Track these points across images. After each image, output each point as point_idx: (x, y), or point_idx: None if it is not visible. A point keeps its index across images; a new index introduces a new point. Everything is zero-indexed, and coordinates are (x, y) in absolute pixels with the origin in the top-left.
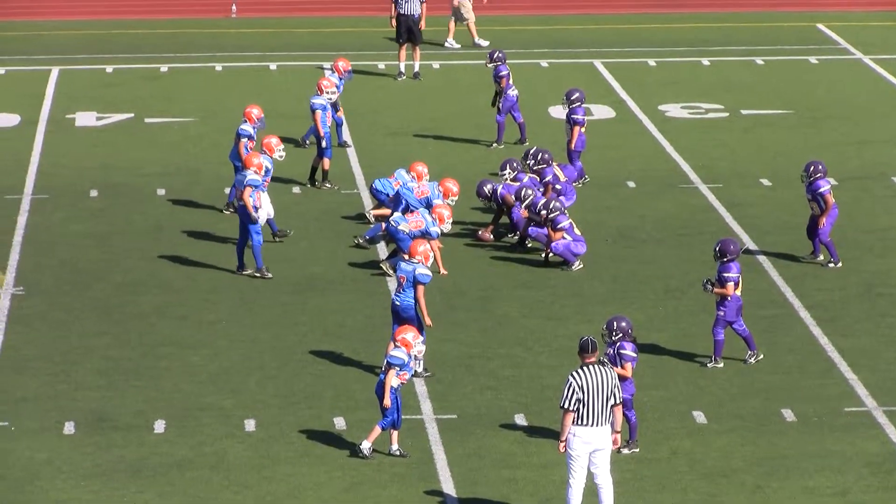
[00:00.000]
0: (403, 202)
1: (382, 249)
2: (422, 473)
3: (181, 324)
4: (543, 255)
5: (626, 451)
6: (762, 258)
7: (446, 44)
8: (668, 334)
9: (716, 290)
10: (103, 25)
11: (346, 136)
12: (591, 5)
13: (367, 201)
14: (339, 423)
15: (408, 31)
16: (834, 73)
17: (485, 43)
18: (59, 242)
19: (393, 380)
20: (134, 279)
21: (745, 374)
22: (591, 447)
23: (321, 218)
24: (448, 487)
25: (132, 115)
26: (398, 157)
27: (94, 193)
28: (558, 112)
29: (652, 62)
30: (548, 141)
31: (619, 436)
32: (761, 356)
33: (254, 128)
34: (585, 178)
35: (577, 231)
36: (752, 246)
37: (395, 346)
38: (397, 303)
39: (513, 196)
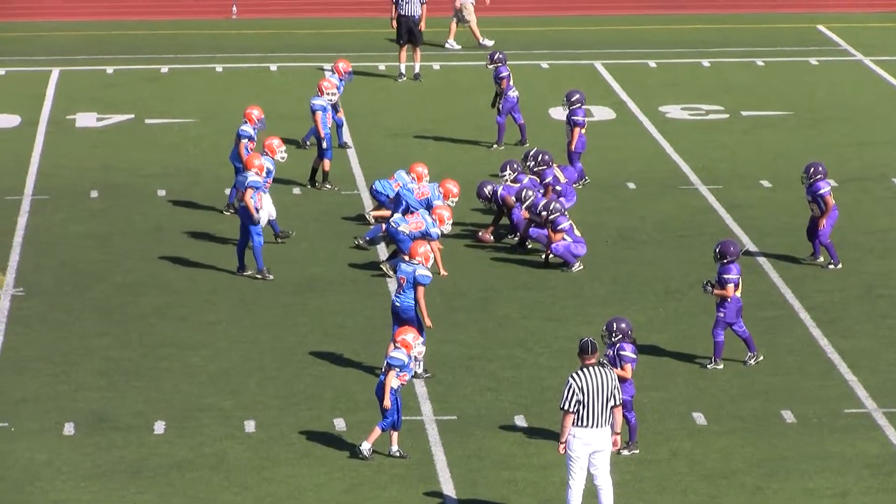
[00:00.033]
0: (404, 203)
1: (383, 250)
2: (422, 474)
3: (181, 325)
4: (543, 256)
5: (625, 452)
6: (762, 259)
7: (446, 45)
8: (668, 335)
9: (716, 291)
10: (104, 26)
11: (347, 137)
12: (591, 7)
13: (368, 202)
14: (339, 424)
15: (408, 33)
16: (834, 75)
17: (490, 42)
18: (60, 243)
19: (393, 381)
20: (134, 280)
21: (745, 375)
22: (590, 448)
23: (321, 219)
24: (448, 488)
25: (132, 115)
26: (398, 159)
27: (94, 194)
28: (558, 113)
29: (652, 63)
30: (548, 142)
31: (619, 437)
32: (761, 357)
33: (254, 129)
34: (586, 180)
35: (577, 232)
36: (752, 247)
37: (395, 348)
38: (397, 304)
39: (513, 197)
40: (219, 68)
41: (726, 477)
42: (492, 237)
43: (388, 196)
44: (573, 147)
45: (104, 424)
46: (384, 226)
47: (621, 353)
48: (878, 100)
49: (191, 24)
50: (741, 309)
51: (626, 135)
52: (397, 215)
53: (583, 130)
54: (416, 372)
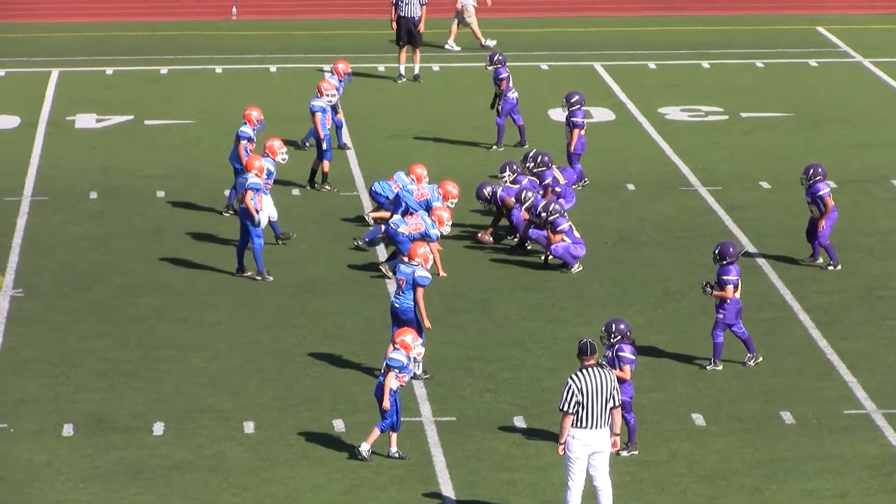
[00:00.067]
0: (403, 204)
1: (382, 252)
2: (421, 475)
3: (181, 326)
4: (543, 257)
5: (625, 453)
6: (762, 261)
7: (446, 45)
8: (667, 337)
9: (715, 292)
10: (103, 27)
11: (346, 138)
12: (591, 8)
13: (367, 203)
14: (339, 425)
15: (408, 34)
16: (834, 77)
17: (492, 43)
18: (59, 244)
19: (392, 382)
20: (133, 281)
21: (745, 376)
22: (590, 449)
23: (321, 220)
24: (447, 490)
25: (132, 117)
26: (398, 160)
27: (93, 195)
28: (558, 115)
29: (652, 65)
30: (547, 143)
31: (618, 438)
32: (760, 359)
33: (253, 130)
34: (585, 181)
35: (576, 233)
36: (751, 249)
37: (395, 349)
38: (396, 305)
39: (512, 198)
40: (218, 69)
41: (725, 478)
42: (491, 238)
43: (387, 197)
44: (572, 148)
45: (103, 425)
46: (383, 227)
47: (620, 354)
48: (878, 101)
49: (190, 26)
50: (740, 310)
51: (626, 136)
52: (396, 216)
53: (582, 132)
54: (415, 373)
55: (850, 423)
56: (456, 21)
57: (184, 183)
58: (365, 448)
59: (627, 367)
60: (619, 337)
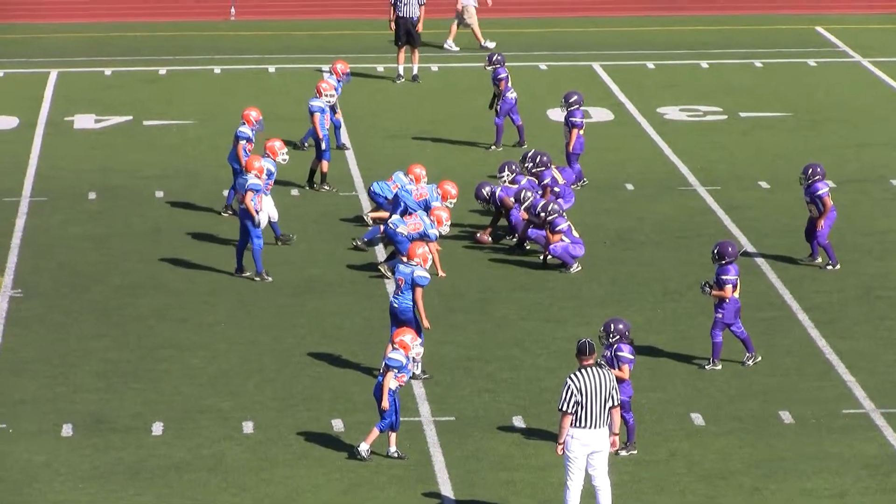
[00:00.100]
0: (402, 204)
1: (381, 252)
2: (420, 475)
3: (180, 326)
4: (542, 257)
5: (624, 453)
6: (760, 260)
7: (445, 45)
8: (666, 336)
9: (714, 292)
10: (102, 28)
11: (345, 138)
12: (590, 8)
13: (366, 204)
14: (338, 425)
15: (406, 34)
16: (833, 76)
17: (492, 44)
18: (58, 245)
19: (391, 382)
20: (132, 281)
21: (744, 376)
22: (588, 449)
23: (320, 220)
24: (446, 489)
25: (131, 117)
26: (397, 160)
27: (92, 196)
28: (557, 115)
29: (651, 65)
30: (546, 143)
31: (617, 438)
32: (759, 358)
33: (252, 130)
34: (584, 181)
35: (575, 233)
36: (750, 248)
37: (394, 349)
38: (395, 305)
39: (511, 198)
40: (217, 70)
41: (724, 477)
42: (490, 238)
43: (385, 198)
44: (571, 148)
45: (102, 426)
46: (382, 227)
47: (619, 353)
48: (877, 101)
49: (189, 26)
50: (739, 310)
51: (625, 136)
52: (395, 216)
53: (581, 132)
54: (414, 373)
55: (849, 422)
56: (456, 21)
57: (183, 183)
58: (364, 448)
59: (626, 367)
60: (618, 336)
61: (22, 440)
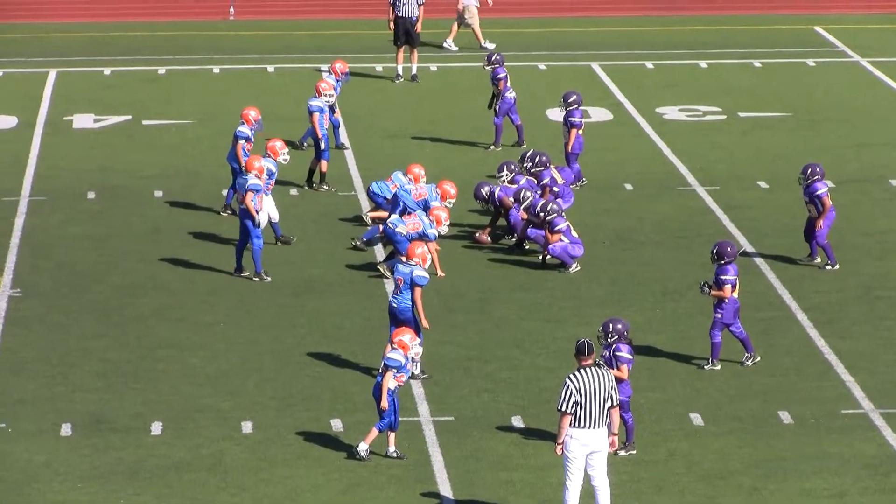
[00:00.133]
0: (401, 204)
1: (380, 251)
2: (419, 475)
3: (179, 326)
4: (541, 257)
5: (623, 453)
6: (760, 260)
7: (444, 44)
8: (665, 336)
9: (713, 292)
10: (101, 28)
11: (344, 138)
12: (589, 8)
13: (365, 203)
14: (337, 425)
15: (405, 34)
16: (832, 76)
17: (492, 46)
18: (57, 245)
19: (390, 382)
20: (132, 281)
21: (743, 376)
22: (588, 449)
23: (319, 220)
24: (445, 489)
25: (130, 117)
26: (396, 160)
27: (91, 195)
28: (556, 114)
29: (650, 65)
30: (545, 143)
31: (616, 438)
32: (758, 358)
33: (251, 130)
34: (583, 181)
35: (574, 233)
36: (749, 248)
37: (393, 349)
38: (394, 305)
39: (510, 198)
40: (216, 69)
41: (724, 477)
42: (489, 238)
43: (384, 198)
44: (570, 148)
45: (102, 426)
46: (381, 227)
47: (617, 353)
48: (876, 101)
49: (188, 26)
50: (738, 310)
51: (624, 136)
52: (394, 216)
53: (580, 132)
54: (413, 373)
55: (848, 422)
56: (457, 22)
57: (182, 183)
58: (363, 448)
59: (625, 367)
60: (617, 336)
61: (21, 440)
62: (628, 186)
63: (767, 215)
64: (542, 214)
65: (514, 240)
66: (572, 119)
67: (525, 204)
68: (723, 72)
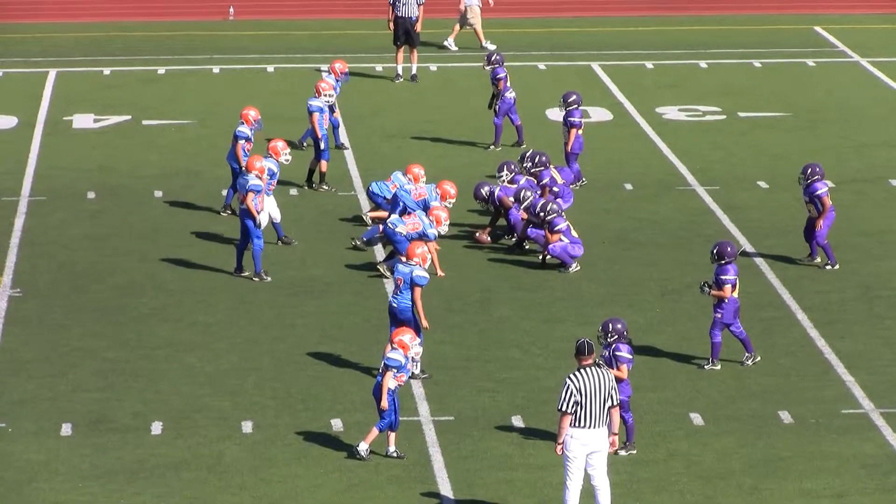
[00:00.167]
0: (401, 204)
1: (380, 251)
2: (419, 475)
3: (179, 326)
4: (540, 257)
5: (623, 452)
6: (759, 260)
7: (445, 42)
8: (665, 336)
9: (713, 292)
10: (101, 28)
11: (344, 138)
12: (588, 8)
13: (365, 203)
14: (337, 424)
15: (405, 34)
16: (832, 76)
17: (493, 47)
18: (57, 244)
19: (390, 382)
20: (131, 281)
21: (743, 376)
22: (588, 449)
23: (319, 220)
24: (445, 489)
25: (130, 117)
26: (396, 160)
27: (91, 195)
28: (556, 114)
29: (649, 65)
30: (545, 143)
31: (616, 438)
32: (758, 358)
33: (251, 129)
34: (583, 181)
35: (574, 233)
36: (749, 248)
37: (393, 348)
38: (394, 305)
39: (510, 198)
40: (216, 69)
41: (723, 477)
42: (489, 238)
43: (384, 198)
44: (570, 148)
45: (102, 425)
46: (381, 227)
47: (617, 353)
48: (876, 101)
49: (188, 26)
50: (738, 310)
51: (624, 136)
52: (394, 216)
53: (580, 131)
54: (413, 373)
55: (848, 422)
56: (459, 22)
57: (182, 183)
58: (363, 447)
59: (624, 367)
60: (616, 336)
61: (21, 439)
62: (628, 186)
63: (767, 215)
64: (542, 214)
65: (514, 240)
66: (572, 119)
67: (525, 204)
68: (723, 72)
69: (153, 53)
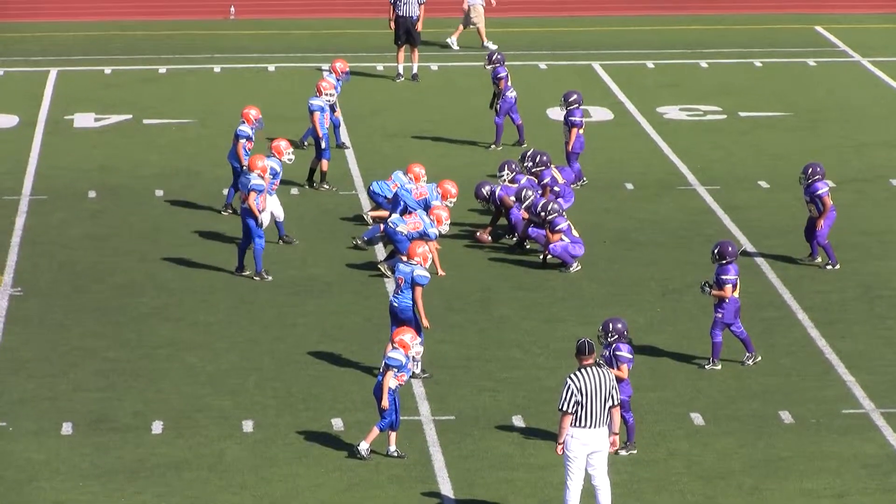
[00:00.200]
0: (402, 204)
1: (381, 251)
2: (419, 475)
3: (179, 325)
4: (541, 256)
5: (623, 452)
6: (760, 260)
7: (447, 40)
8: (666, 336)
9: (714, 292)
10: (102, 27)
11: (345, 137)
12: (589, 8)
13: (366, 203)
14: (337, 424)
15: (406, 33)
16: (832, 76)
17: (494, 46)
18: (58, 244)
19: (391, 381)
20: (132, 280)
21: (743, 376)
22: (588, 449)
23: (319, 219)
24: (446, 489)
25: (130, 116)
26: (396, 159)
27: (92, 195)
28: (556, 114)
29: (650, 64)
30: (546, 143)
31: (617, 437)
32: (759, 358)
33: (252, 129)
34: (583, 180)
35: (574, 233)
36: (750, 248)
37: (393, 348)
38: (395, 304)
39: (511, 197)
40: (217, 69)
41: (724, 477)
42: (490, 237)
43: (385, 197)
44: (571, 148)
45: (102, 425)
46: (382, 226)
47: (617, 353)
48: (876, 101)
49: (189, 25)
50: (739, 309)
51: (624, 136)
52: (395, 216)
53: (580, 131)
54: (414, 372)
55: (849, 422)
56: (462, 22)
57: (182, 182)
58: (364, 447)
59: (625, 367)
60: (616, 336)
61: (22, 439)
62: (629, 186)
63: (768, 215)
64: (542, 214)
65: (514, 239)
66: (573, 118)
67: (526, 203)
68: (723, 71)
69: (154, 52)
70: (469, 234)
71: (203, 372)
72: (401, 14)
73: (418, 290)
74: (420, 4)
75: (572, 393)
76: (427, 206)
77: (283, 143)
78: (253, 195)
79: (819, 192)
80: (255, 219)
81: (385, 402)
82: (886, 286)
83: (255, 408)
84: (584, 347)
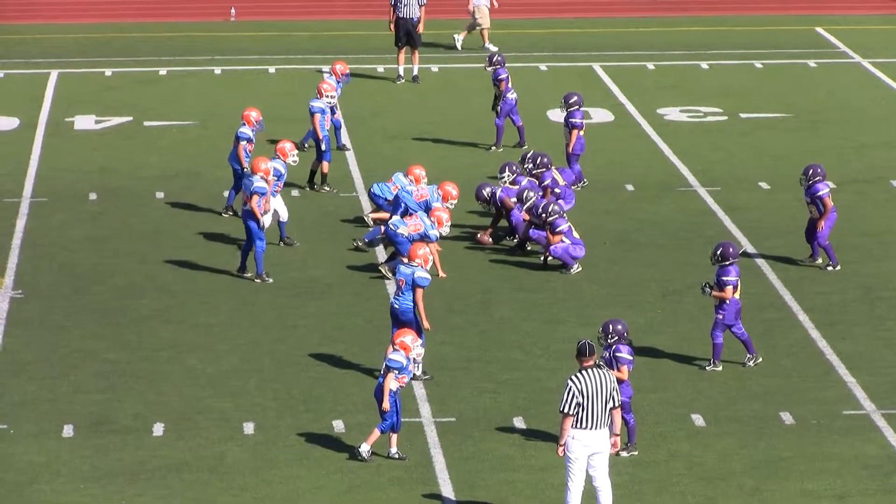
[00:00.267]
0: (402, 205)
1: (381, 252)
2: (420, 476)
3: (180, 327)
4: (542, 258)
5: (624, 453)
6: (761, 261)
7: (454, 36)
8: (666, 337)
9: (714, 293)
10: (102, 29)
11: (345, 139)
12: (590, 9)
13: (366, 204)
14: (338, 426)
15: (406, 35)
16: (833, 77)
17: (494, 48)
18: (58, 246)
19: (392, 383)
20: (132, 282)
21: (744, 377)
22: (589, 450)
23: (320, 221)
24: (447, 490)
25: (131, 118)
26: (397, 161)
27: (92, 197)
28: (557, 115)
29: (651, 66)
30: (546, 144)
31: (618, 439)
32: (760, 359)
33: (252, 130)
34: (584, 182)
35: (575, 234)
36: (750, 249)
37: (394, 350)
38: (396, 306)
39: (512, 199)
40: (217, 71)
41: (724, 478)
42: (490, 239)
43: (386, 199)
44: (571, 149)
45: (103, 427)
46: (383, 228)
47: (617, 354)
48: (877, 102)
49: (189, 27)
50: (740, 311)
51: (625, 137)
52: (396, 217)
53: (581, 132)
54: (414, 374)
55: (850, 423)
56: (468, 26)
57: (183, 184)
58: (365, 449)
59: (625, 368)
60: (617, 337)
61: (22, 441)
62: (629, 187)
63: (768, 216)
64: (543, 215)
65: (515, 241)
66: (573, 120)
67: (527, 205)
68: (724, 73)
69: (154, 54)
70: (470, 235)
71: (204, 374)
72: (401, 16)
73: (419, 291)
74: (420, 6)
75: (573, 394)
76: (428, 208)
77: (287, 145)
78: (255, 198)
79: (820, 193)
80: (257, 221)
81: (386, 404)
82: (887, 287)
83: (255, 410)
84: (585, 349)
